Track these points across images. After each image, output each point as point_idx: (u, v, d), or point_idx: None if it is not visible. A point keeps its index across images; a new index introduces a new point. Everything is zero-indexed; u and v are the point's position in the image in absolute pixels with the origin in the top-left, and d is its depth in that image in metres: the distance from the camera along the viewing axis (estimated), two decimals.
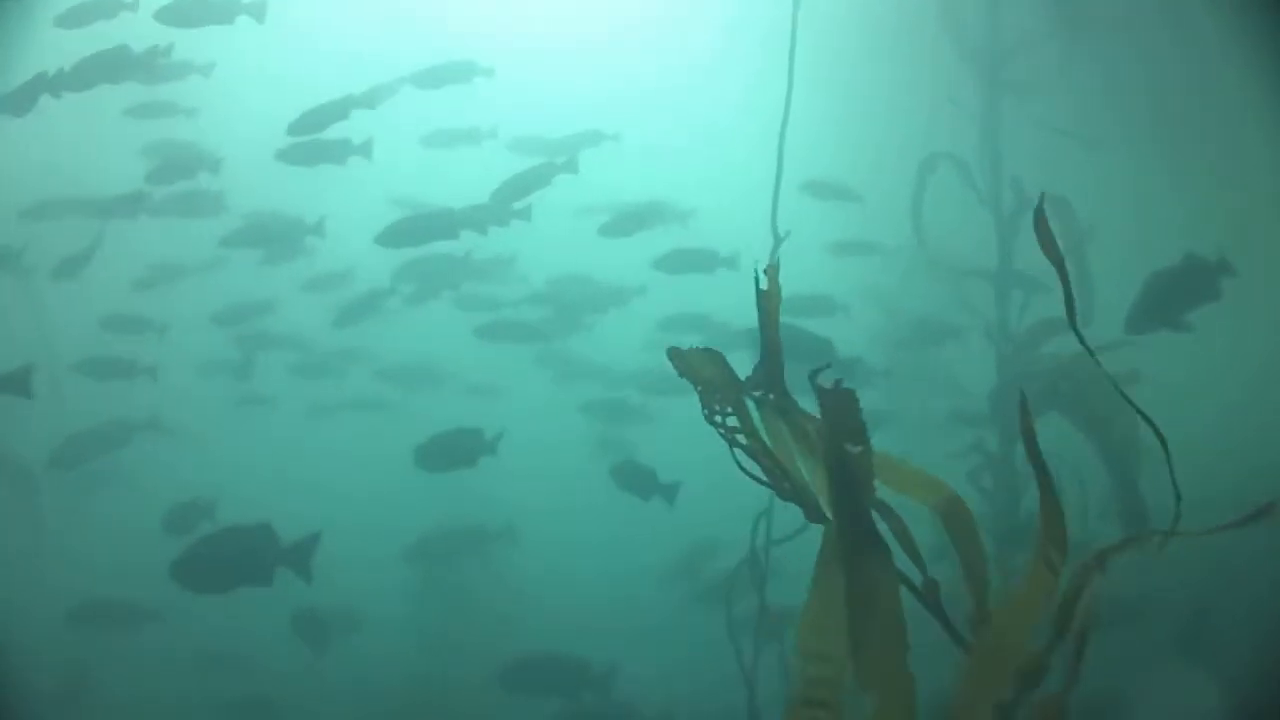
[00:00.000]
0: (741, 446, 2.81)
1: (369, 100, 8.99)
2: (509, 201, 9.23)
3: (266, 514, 7.58)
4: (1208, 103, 8.38)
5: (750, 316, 2.95)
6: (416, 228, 9.57)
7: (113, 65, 8.39)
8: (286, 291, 11.94)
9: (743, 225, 11.60)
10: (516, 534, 11.69)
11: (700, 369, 2.86)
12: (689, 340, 9.98)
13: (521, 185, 9.32)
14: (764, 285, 2.84)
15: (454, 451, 9.20)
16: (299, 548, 7.26)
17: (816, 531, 5.76)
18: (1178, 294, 6.17)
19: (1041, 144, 7.75)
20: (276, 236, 10.99)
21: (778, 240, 6.63)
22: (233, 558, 7.27)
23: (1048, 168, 7.77)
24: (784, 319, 2.81)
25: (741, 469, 2.78)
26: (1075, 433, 6.91)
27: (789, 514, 6.43)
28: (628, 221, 11.07)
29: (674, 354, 2.91)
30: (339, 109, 8.91)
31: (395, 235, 9.52)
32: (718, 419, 2.81)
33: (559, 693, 8.82)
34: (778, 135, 6.74)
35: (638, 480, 8.95)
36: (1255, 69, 6.91)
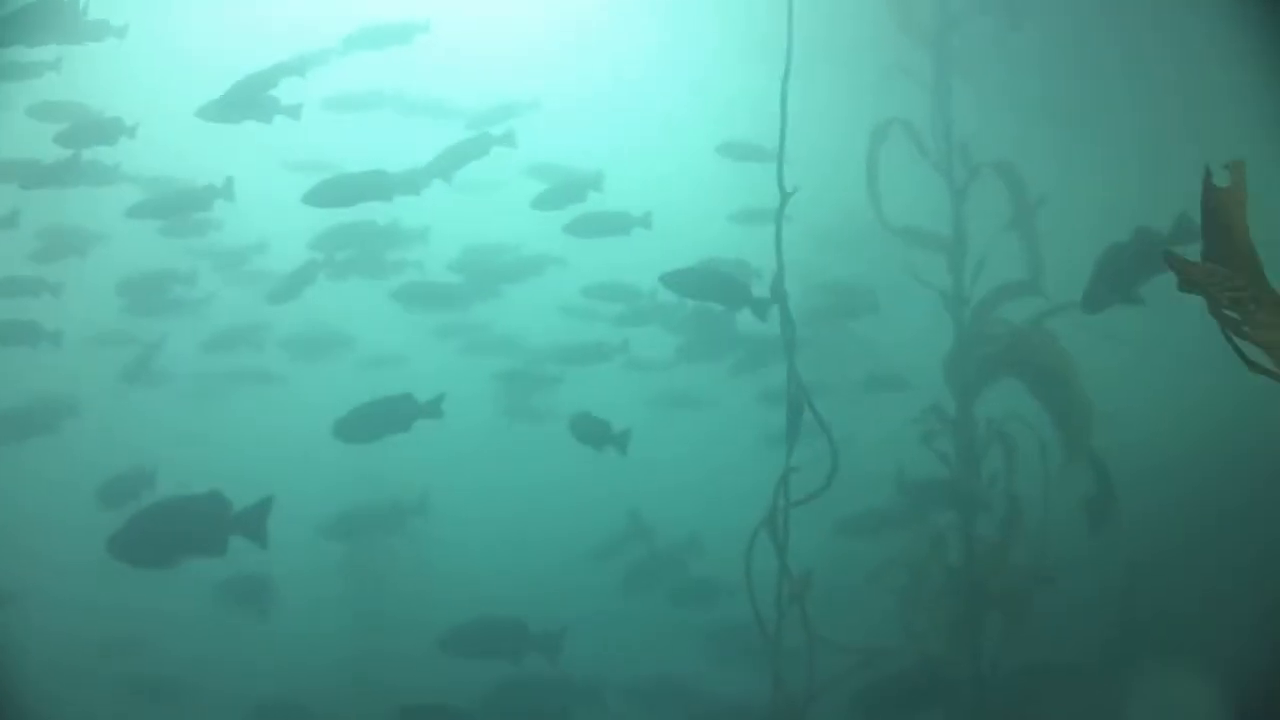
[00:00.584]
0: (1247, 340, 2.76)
1: (298, 67, 8.77)
2: (447, 172, 9.12)
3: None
4: (1169, 71, 8.62)
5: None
6: (343, 190, 9.36)
7: (26, 26, 8.00)
8: (198, 260, 11.65)
9: (655, 186, 11.71)
10: (432, 507, 11.61)
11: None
12: (609, 308, 10.00)
13: (459, 155, 9.23)
14: (1224, 183, 2.78)
15: (380, 421, 8.97)
16: (252, 513, 7.02)
17: (832, 495, 5.88)
18: (1130, 269, 6.33)
19: (992, 112, 7.94)
20: (186, 204, 10.63)
21: (785, 195, 6.63)
22: (180, 528, 7.02)
23: (998, 135, 7.95)
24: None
25: (1246, 362, 2.74)
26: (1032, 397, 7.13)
27: (804, 479, 6.59)
28: (544, 188, 10.97)
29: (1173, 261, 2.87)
30: (267, 78, 8.66)
31: (322, 196, 9.31)
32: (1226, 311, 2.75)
33: (502, 655, 8.75)
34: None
35: (592, 431, 8.93)
36: (1220, 36, 7.15)
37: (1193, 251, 6.03)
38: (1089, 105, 8.74)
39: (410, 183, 9.11)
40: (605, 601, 11.38)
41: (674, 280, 8.48)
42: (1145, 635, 7.53)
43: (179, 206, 10.61)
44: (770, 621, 6.41)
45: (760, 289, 8.36)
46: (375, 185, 9.15)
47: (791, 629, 9.82)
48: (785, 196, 6.73)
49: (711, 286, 8.66)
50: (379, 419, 8.73)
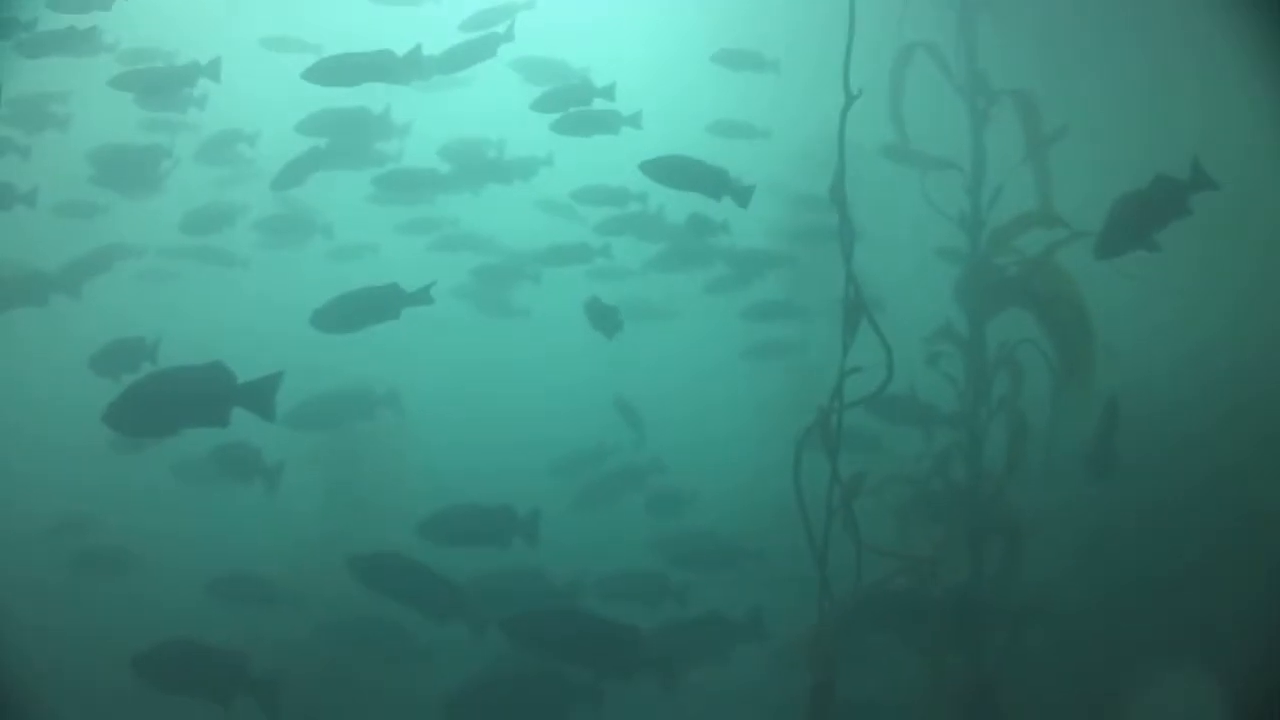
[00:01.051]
0: None
1: None
2: (452, 70, 8.99)
3: None
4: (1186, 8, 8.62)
5: None
6: (345, 70, 9.17)
7: None
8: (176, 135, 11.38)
9: (647, 90, 11.55)
10: (404, 401, 11.56)
11: None
12: (594, 212, 9.92)
13: (466, 54, 9.09)
14: None
15: (364, 312, 8.82)
16: (260, 386, 6.97)
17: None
18: (1147, 215, 6.38)
19: (1015, 40, 7.93)
20: (170, 81, 10.36)
21: (850, 97, 6.59)
22: (182, 397, 6.92)
23: (1020, 65, 7.95)
24: None
25: None
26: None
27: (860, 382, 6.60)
28: (540, 90, 10.80)
29: None
30: None
31: (323, 74, 9.12)
32: None
33: (487, 540, 8.68)
34: None
35: (604, 317, 8.94)
36: None
37: (1209, 199, 6.17)
38: (1110, 42, 8.73)
39: (414, 68, 8.92)
40: (578, 501, 11.45)
41: (653, 168, 8.53)
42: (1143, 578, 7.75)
43: (162, 84, 10.32)
44: (818, 527, 6.39)
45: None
46: (377, 67, 8.97)
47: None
48: (850, 99, 6.64)
49: (691, 175, 8.66)
50: (363, 309, 8.52)
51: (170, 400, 6.91)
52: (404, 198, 12.38)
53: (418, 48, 9.08)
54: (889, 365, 6.35)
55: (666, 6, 14.81)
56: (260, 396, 6.95)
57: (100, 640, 9.20)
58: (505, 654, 9.53)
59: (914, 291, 8.48)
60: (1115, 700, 7.40)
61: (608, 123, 10.35)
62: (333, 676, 10.11)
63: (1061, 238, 7.31)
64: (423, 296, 8.42)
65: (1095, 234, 6.55)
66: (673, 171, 8.65)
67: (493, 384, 13.94)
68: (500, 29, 9.49)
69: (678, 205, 11.58)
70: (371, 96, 10.46)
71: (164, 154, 11.15)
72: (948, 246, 7.69)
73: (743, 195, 8.58)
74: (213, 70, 10.01)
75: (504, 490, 10.25)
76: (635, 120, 10.28)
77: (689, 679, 8.32)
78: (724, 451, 11.96)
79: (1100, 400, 6.99)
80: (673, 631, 8.38)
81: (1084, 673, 7.54)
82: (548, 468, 12.04)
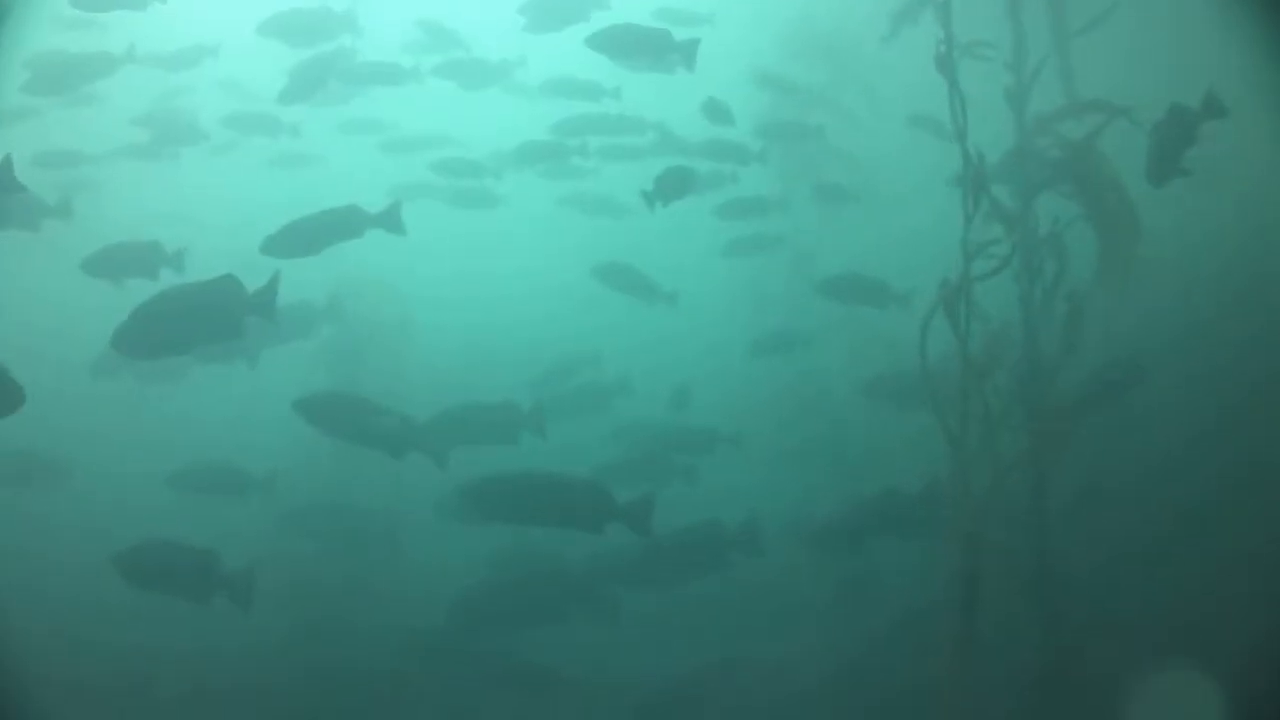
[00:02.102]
0: None
1: None
2: None
3: None
4: None
5: None
6: None
7: None
8: None
9: None
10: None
11: None
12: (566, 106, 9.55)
13: None
14: None
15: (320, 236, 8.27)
16: (264, 292, 6.89)
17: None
18: (1172, 145, 6.42)
19: None
20: None
21: None
22: (194, 314, 6.80)
23: None
24: None
25: None
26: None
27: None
28: None
29: None
30: None
31: None
32: None
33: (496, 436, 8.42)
34: None
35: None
36: None
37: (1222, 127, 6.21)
38: None
39: None
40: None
41: (598, 40, 8.62)
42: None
43: None
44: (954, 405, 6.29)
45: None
46: None
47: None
48: None
49: (635, 41, 8.74)
50: (321, 234, 8.07)
51: (184, 317, 6.79)
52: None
53: None
54: (1011, 243, 6.27)
55: None
56: (265, 302, 6.89)
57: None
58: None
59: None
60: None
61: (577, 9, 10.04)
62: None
63: (1103, 122, 7.22)
64: (391, 219, 8.14)
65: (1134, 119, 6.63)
66: (617, 42, 8.71)
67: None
68: None
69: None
70: None
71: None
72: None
73: (688, 50, 8.62)
74: None
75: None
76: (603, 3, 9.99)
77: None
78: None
79: None
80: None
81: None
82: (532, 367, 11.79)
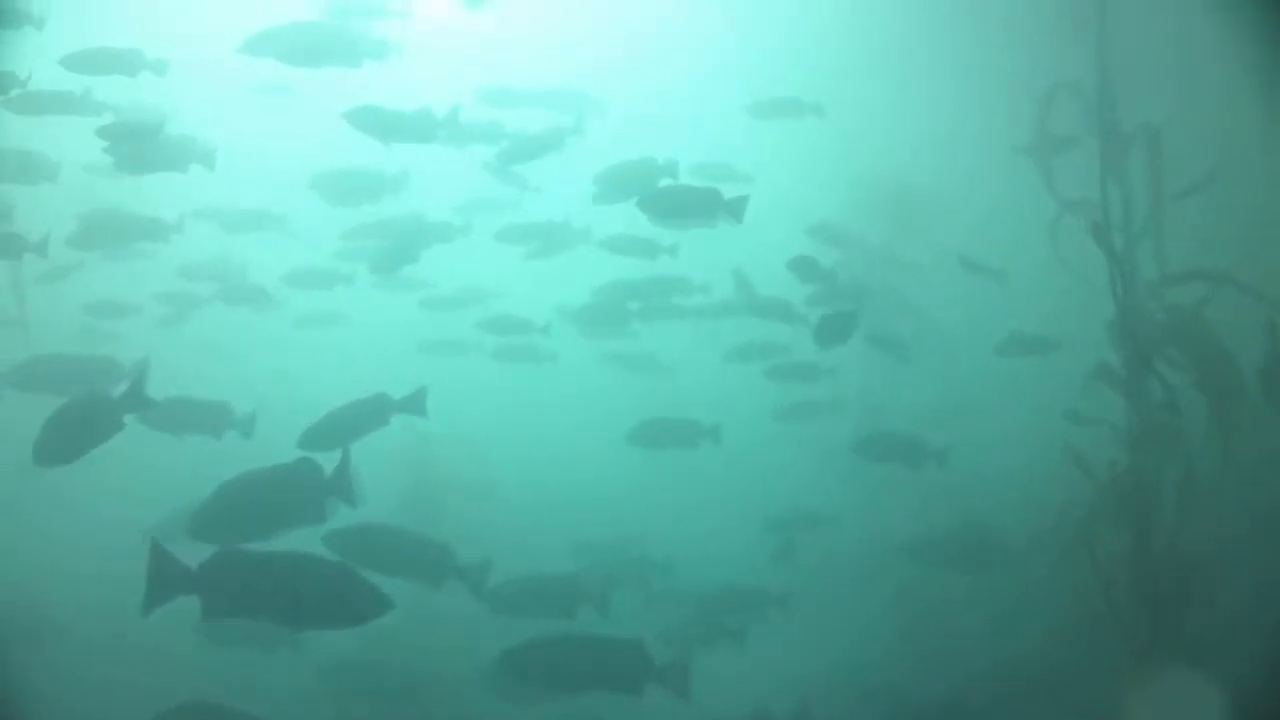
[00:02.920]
0: None
1: None
2: None
3: None
4: None
5: None
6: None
7: None
8: None
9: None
10: None
11: None
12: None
13: None
14: None
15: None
16: (339, 474, 6.64)
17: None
18: None
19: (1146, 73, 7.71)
20: None
21: None
22: (274, 499, 6.53)
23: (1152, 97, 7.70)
24: None
25: None
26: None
27: None
28: None
29: None
30: None
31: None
32: None
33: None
34: None
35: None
36: None
37: None
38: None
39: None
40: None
41: (649, 202, 8.71)
42: None
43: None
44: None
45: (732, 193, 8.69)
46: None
47: None
48: None
49: (684, 202, 8.84)
50: (352, 425, 8.05)
51: (265, 502, 6.53)
52: None
53: None
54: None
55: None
56: (344, 484, 6.64)
57: None
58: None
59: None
60: None
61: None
62: None
63: (1214, 291, 7.08)
64: (416, 404, 8.17)
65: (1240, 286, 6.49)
66: (667, 201, 8.80)
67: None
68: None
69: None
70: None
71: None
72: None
73: (737, 208, 8.66)
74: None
75: None
76: (672, 170, 9.97)
77: None
78: None
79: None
80: None
81: None
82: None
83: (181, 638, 9.15)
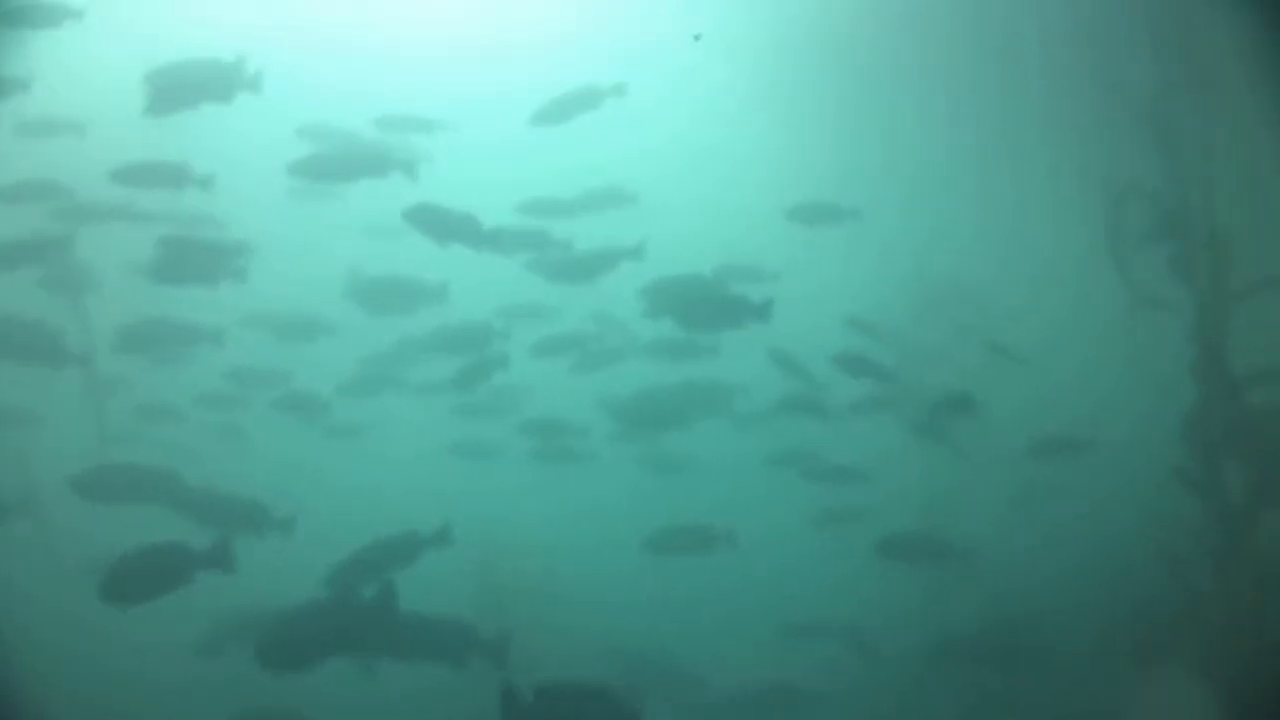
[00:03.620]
0: None
1: None
2: None
3: None
4: None
5: None
6: None
7: None
8: None
9: None
10: None
11: None
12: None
13: None
14: None
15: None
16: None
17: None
18: None
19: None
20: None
21: None
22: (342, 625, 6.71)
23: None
24: None
25: None
26: None
27: None
28: None
29: None
30: None
31: None
32: None
33: None
34: None
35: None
36: None
37: None
38: None
39: None
40: None
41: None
42: None
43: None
44: None
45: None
46: None
47: None
48: None
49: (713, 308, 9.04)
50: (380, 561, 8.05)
51: (331, 630, 6.72)
52: None
53: None
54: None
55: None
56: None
57: None
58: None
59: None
60: None
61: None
62: None
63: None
64: (442, 538, 8.17)
65: None
66: (692, 304, 8.96)
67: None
68: None
69: None
70: None
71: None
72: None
73: (763, 312, 8.69)
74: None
75: None
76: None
77: None
78: None
79: None
80: None
81: None
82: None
83: None
